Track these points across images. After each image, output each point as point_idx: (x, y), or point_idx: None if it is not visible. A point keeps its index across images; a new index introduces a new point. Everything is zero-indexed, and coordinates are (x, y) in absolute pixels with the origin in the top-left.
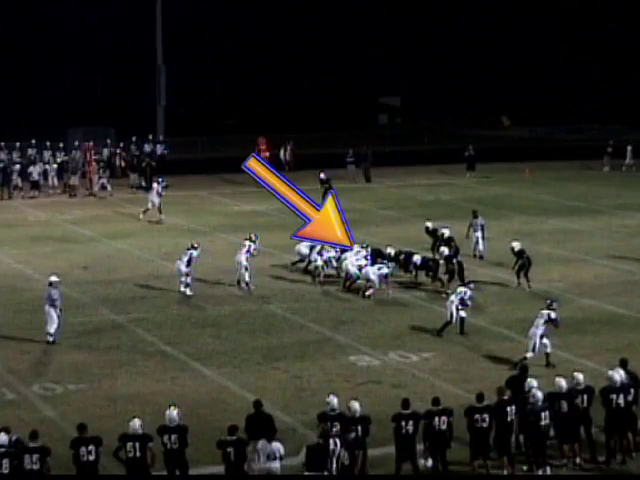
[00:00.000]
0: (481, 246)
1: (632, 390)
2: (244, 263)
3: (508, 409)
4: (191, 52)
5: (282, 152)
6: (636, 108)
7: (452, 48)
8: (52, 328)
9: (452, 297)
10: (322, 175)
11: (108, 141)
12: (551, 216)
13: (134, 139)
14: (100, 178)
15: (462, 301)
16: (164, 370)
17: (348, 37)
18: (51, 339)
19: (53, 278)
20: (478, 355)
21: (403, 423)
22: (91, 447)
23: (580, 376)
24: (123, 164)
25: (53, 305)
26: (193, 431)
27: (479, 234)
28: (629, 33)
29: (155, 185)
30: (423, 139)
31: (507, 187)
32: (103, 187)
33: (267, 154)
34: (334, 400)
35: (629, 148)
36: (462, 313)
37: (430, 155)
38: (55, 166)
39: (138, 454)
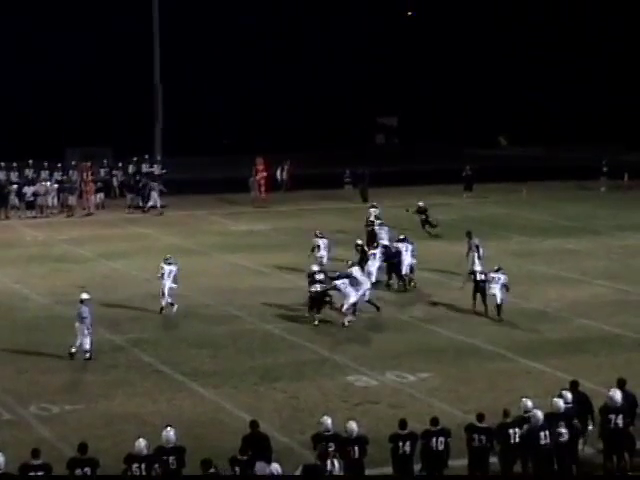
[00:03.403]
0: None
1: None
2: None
3: (511, 431)
4: (188, 71)
5: (279, 171)
6: (634, 128)
7: (449, 68)
8: (78, 342)
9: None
10: (421, 203)
11: (105, 161)
12: (548, 236)
13: (135, 159)
14: (97, 192)
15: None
16: (161, 390)
17: (346, 56)
18: (73, 350)
19: (84, 295)
20: (475, 375)
21: (400, 443)
22: (87, 469)
23: (569, 395)
24: (120, 184)
25: (82, 322)
26: (190, 451)
27: (475, 254)
28: (626, 49)
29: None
30: (420, 159)
31: (504, 207)
32: (98, 206)
33: (264, 174)
34: (328, 421)
35: None
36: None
37: (427, 175)
38: (55, 186)
39: (144, 474)
